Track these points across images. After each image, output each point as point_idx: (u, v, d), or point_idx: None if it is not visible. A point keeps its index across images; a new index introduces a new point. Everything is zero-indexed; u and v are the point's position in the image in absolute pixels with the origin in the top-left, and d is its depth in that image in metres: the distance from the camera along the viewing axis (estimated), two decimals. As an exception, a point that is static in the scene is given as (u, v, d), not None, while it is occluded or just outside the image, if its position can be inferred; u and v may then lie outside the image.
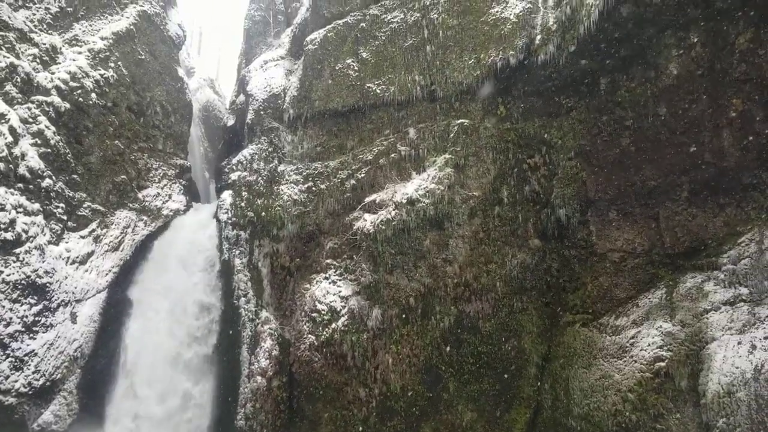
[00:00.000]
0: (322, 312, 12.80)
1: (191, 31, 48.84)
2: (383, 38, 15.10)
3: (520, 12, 13.08)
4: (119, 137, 14.72)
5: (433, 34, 14.35)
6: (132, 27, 15.86)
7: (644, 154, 11.18)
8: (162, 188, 16.16)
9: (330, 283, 13.23)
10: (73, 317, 12.28)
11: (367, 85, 14.83)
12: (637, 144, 11.32)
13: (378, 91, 14.67)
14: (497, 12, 13.41)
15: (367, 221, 13.06)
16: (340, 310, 12.66)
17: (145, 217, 15.14)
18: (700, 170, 10.30)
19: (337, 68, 15.37)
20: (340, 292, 12.94)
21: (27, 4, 13.32)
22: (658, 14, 10.45)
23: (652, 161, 11.01)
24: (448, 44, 14.06)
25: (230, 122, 20.30)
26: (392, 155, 14.03)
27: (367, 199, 13.63)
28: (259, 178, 15.51)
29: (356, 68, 15.15)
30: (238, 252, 14.20)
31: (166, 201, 16.03)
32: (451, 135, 13.43)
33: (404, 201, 12.65)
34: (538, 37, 12.55)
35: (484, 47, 13.42)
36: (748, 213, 9.61)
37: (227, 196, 15.26)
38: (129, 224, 14.57)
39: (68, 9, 14.36)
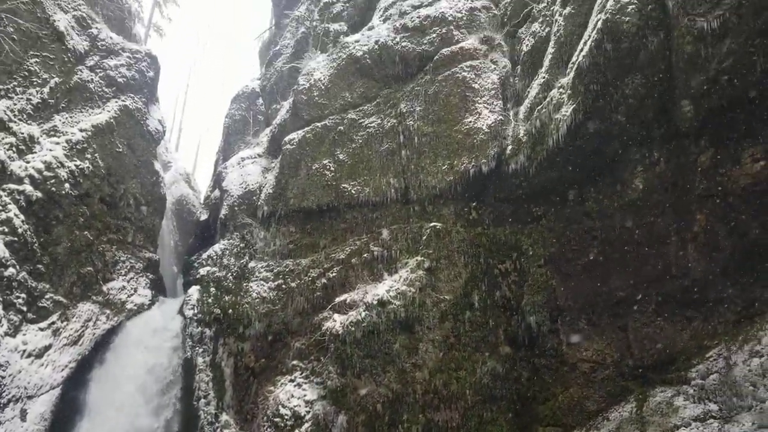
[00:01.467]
0: (285, 417, 12.27)
1: (171, 127, 49.80)
2: (360, 141, 15.50)
3: (492, 123, 13.61)
4: (89, 228, 14.56)
5: (409, 140, 14.78)
6: (112, 120, 16.10)
7: (612, 265, 11.35)
8: (128, 281, 15.86)
9: (295, 385, 12.78)
10: (23, 414, 11.60)
11: (343, 185, 15.06)
12: (605, 254, 11.51)
13: (353, 192, 14.88)
14: (470, 122, 13.92)
15: (336, 322, 12.84)
16: (304, 415, 12.15)
17: (108, 311, 14.73)
18: (667, 283, 10.44)
19: (313, 168, 15.63)
20: (305, 396, 12.49)
21: (9, 95, 13.50)
22: (623, 131, 10.95)
23: (620, 272, 11.17)
24: (422, 150, 14.46)
25: (203, 217, 20.31)
26: (365, 255, 14.03)
27: (338, 299, 13.47)
28: (229, 274, 15.33)
29: (332, 169, 15.42)
30: (201, 350, 13.77)
31: (131, 295, 15.69)
32: (424, 237, 13.52)
33: (375, 302, 12.52)
34: (509, 147, 13.00)
35: (457, 154, 13.81)
36: (714, 327, 9.67)
37: (194, 291, 14.99)
38: (91, 317, 14.14)
39: (50, 101, 14.58)
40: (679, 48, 9.49)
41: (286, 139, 16.68)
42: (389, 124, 15.33)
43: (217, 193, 19.58)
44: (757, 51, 8.78)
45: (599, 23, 10.54)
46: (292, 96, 18.06)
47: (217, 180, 19.80)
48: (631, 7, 10.06)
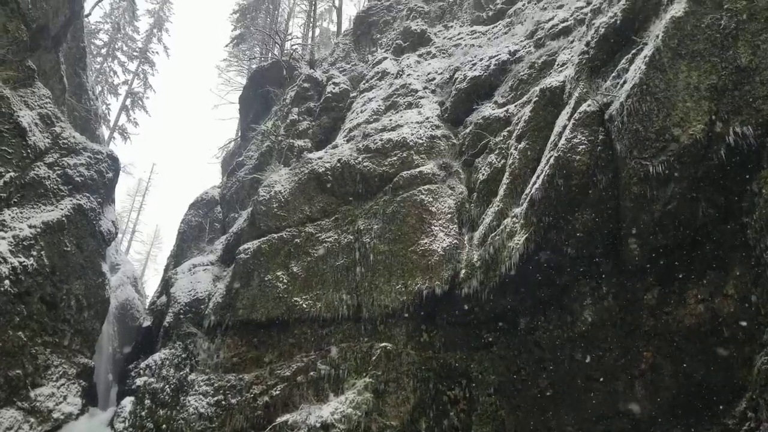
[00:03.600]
0: None
1: (125, 229, 49.14)
2: (315, 255, 15.46)
3: (447, 246, 13.78)
4: (24, 329, 13.79)
5: (364, 257, 14.80)
6: (64, 219, 15.76)
7: (562, 398, 11.19)
8: (58, 388, 14.84)
9: None
10: None
11: (295, 298, 14.81)
12: (555, 386, 11.38)
13: (304, 306, 14.62)
14: (426, 243, 14.07)
15: (275, 445, 12.15)
16: None
17: (32, 419, 13.64)
18: (615, 419, 10.30)
19: (266, 279, 15.40)
20: None
21: (-41, 186, 13.19)
22: (574, 263, 11.20)
23: (569, 405, 11.00)
24: (377, 268, 14.45)
25: (146, 323, 19.55)
26: (311, 373, 13.55)
27: (279, 420, 12.78)
28: (167, 386, 14.55)
29: (285, 281, 15.22)
30: (128, 469, 12.78)
31: (60, 403, 14.63)
32: (374, 358, 13.20)
33: (318, 425, 11.92)
34: (463, 271, 13.10)
35: (411, 275, 13.83)
36: (663, 468, 9.48)
37: (128, 403, 14.13)
38: (12, 426, 13.04)
39: (2, 194, 14.27)
40: (627, 188, 9.94)
41: (241, 248, 16.54)
42: (346, 240, 15.41)
43: (163, 299, 19.00)
44: (700, 197, 9.24)
45: (552, 159, 11.07)
46: (252, 206, 18.14)
47: (166, 286, 19.29)
48: (581, 146, 10.64)
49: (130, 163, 41.73)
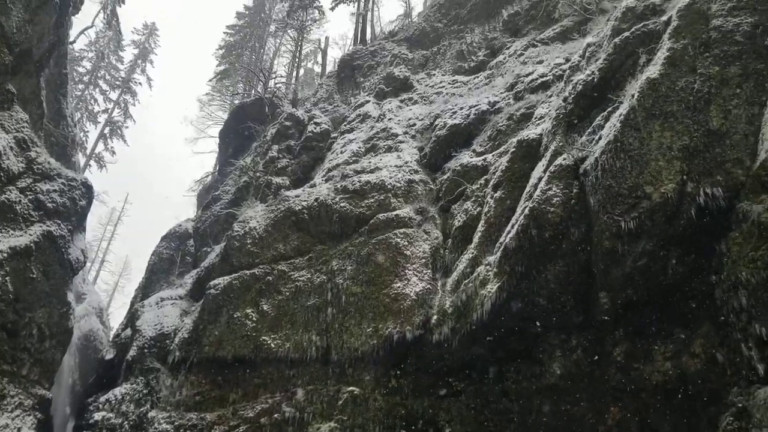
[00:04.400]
0: None
1: (94, 257, 48.26)
2: (287, 294, 15.32)
3: (420, 291, 13.74)
4: (-20, 356, 13.36)
5: (337, 298, 14.68)
6: (32, 245, 15.44)
7: (528, 451, 11.07)
8: (13, 419, 14.30)
9: None
10: None
11: (263, 337, 14.58)
12: (522, 439, 11.26)
13: (272, 345, 14.39)
14: (399, 287, 14.02)
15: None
16: None
17: (-19, 451, 13.12)
18: (581, 476, 10.20)
19: (235, 316, 15.17)
20: None
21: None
22: (545, 314, 11.21)
23: (536, 460, 10.88)
24: (349, 309, 14.33)
25: (109, 356, 19.04)
26: (275, 415, 13.26)
27: (240, 463, 12.48)
28: (125, 422, 14.12)
29: (255, 319, 15.00)
30: None
31: (13, 435, 14.08)
32: (340, 402, 12.98)
33: (279, 470, 11.65)
34: (435, 317, 13.04)
35: (383, 318, 13.72)
36: None
37: (84, 438, 13.64)
38: (-40, 457, 12.52)
39: (-31, 219, 13.98)
40: (599, 242, 10.07)
41: (212, 283, 16.31)
42: (319, 280, 15.30)
43: (128, 332, 18.57)
44: (670, 254, 9.38)
45: (526, 210, 11.20)
46: (225, 241, 17.98)
47: (132, 318, 18.88)
48: (556, 199, 10.81)
49: (104, 191, 41.06)
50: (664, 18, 11.51)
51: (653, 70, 10.21)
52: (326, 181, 18.97)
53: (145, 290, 22.67)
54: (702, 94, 9.45)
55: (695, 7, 10.68)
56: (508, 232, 11.77)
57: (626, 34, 12.14)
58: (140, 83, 50.96)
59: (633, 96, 10.18)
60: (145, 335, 16.64)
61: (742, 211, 8.16)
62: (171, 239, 24.58)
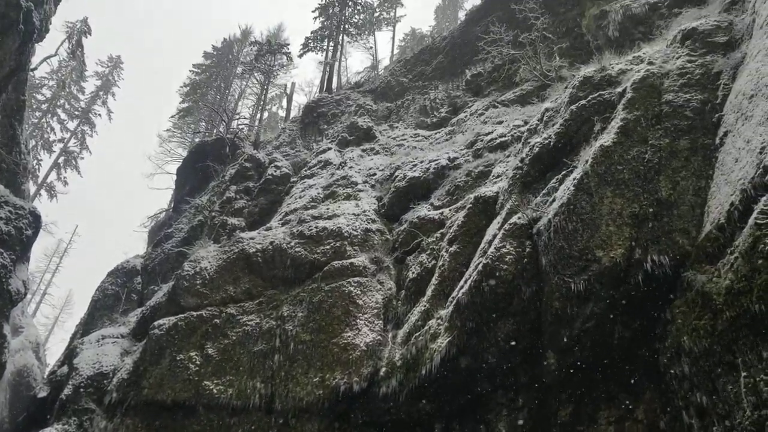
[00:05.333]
0: None
1: (35, 289, 46.45)
2: (234, 338, 14.95)
3: (370, 342, 13.58)
4: None
5: (285, 345, 14.39)
6: (-31, 273, 14.81)
7: None
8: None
9: None
10: None
11: (205, 382, 14.12)
12: (465, 499, 11.05)
13: (215, 391, 13.93)
14: (349, 337, 13.84)
15: None
16: None
17: None
18: None
19: (178, 358, 14.70)
20: None
21: None
22: (493, 372, 11.19)
23: None
24: (296, 357, 14.03)
25: (42, 393, 18.14)
26: (213, 465, 12.75)
27: None
28: (53, 465, 13.35)
29: (198, 362, 14.55)
30: None
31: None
32: (281, 456, 12.59)
33: None
34: (383, 369, 12.86)
35: (330, 368, 13.46)
36: None
37: (4, 482, 12.82)
38: None
39: None
40: (549, 302, 10.19)
41: (156, 323, 15.83)
42: (267, 325, 15.00)
43: (65, 369, 17.77)
44: (617, 319, 9.53)
45: (480, 266, 11.30)
46: (174, 280, 17.56)
47: (69, 355, 18.10)
48: (509, 257, 10.95)
49: (53, 222, 39.96)
50: (619, 89, 12.03)
51: (607, 138, 10.59)
52: (283, 224, 18.85)
53: (86, 327, 21.82)
54: (652, 165, 9.82)
55: (648, 81, 11.21)
56: (461, 287, 11.83)
57: (583, 102, 12.61)
58: (100, 115, 50.37)
59: (587, 161, 10.50)
60: (82, 374, 15.94)
61: (687, 280, 8.38)
62: (118, 275, 23.87)
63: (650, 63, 12.00)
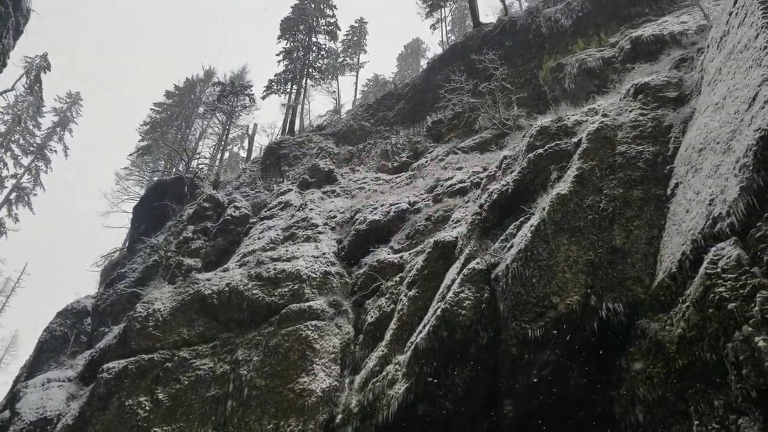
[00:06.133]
0: None
1: (-23, 329, 44.43)
2: (186, 383, 14.46)
3: (327, 387, 13.31)
4: None
5: (238, 390, 13.98)
6: None
7: None
8: None
9: None
10: None
11: (155, 429, 13.56)
12: None
13: (163, 440, 13.40)
14: (305, 382, 13.55)
15: None
16: None
17: None
18: None
19: (126, 404, 14.12)
20: None
21: None
22: (451, 420, 11.06)
23: None
24: (250, 403, 13.64)
25: (-21, 441, 17.19)
26: None
27: None
28: None
29: (148, 408, 14.00)
30: None
31: None
32: (231, 505, 12.10)
33: None
34: (339, 416, 12.58)
35: (285, 415, 13.11)
36: None
37: None
38: None
39: None
40: (507, 349, 10.18)
41: (106, 366, 15.23)
42: (221, 369, 14.59)
43: (7, 414, 16.89)
44: (573, 366, 9.59)
45: (439, 311, 11.29)
46: (125, 322, 17.01)
47: (12, 399, 17.24)
48: (467, 302, 10.98)
49: (1, 260, 38.61)
50: (575, 139, 12.39)
51: (563, 187, 10.84)
52: (240, 266, 18.57)
53: (31, 369, 20.90)
54: (607, 213, 10.07)
55: (603, 133, 11.58)
56: (420, 332, 11.77)
57: (540, 150, 12.94)
58: (56, 151, 49.37)
59: (544, 209, 10.71)
60: (24, 419, 15.19)
61: (641, 328, 8.52)
62: (67, 315, 23.07)
63: (604, 115, 12.43)
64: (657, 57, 16.54)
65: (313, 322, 14.92)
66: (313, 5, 49.78)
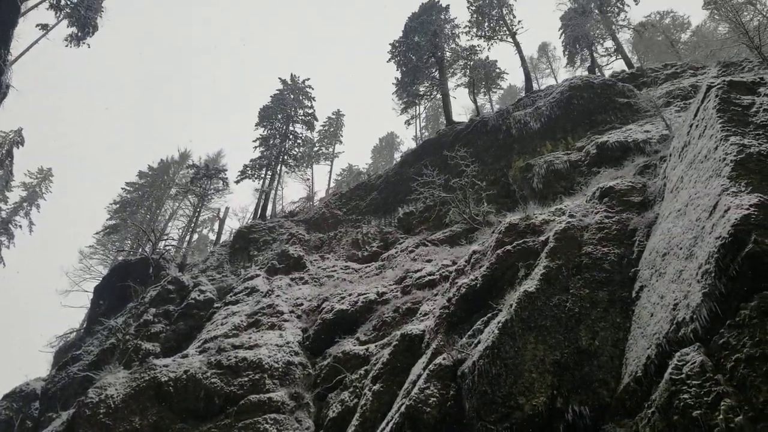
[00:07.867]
0: None
1: None
2: (133, 477, 13.63)
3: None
4: None
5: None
6: None
7: None
8: None
9: None
10: None
11: None
12: None
13: None
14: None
15: None
16: None
17: None
18: None
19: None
20: None
21: None
22: None
23: None
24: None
25: None
26: None
27: None
28: None
29: (88, 505, 13.08)
30: None
31: None
32: None
33: None
34: None
35: None
36: None
37: None
38: None
39: None
40: (473, 458, 9.86)
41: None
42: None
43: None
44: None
45: (403, 407, 10.96)
46: (75, 408, 16.16)
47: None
48: (433, 399, 10.70)
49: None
50: (542, 238, 12.58)
51: (531, 284, 10.88)
52: (200, 353, 17.98)
53: None
54: (573, 313, 10.07)
55: (569, 233, 11.79)
56: (383, 429, 11.36)
57: (508, 247, 13.08)
58: (20, 226, 48.35)
59: (512, 305, 10.69)
60: None
61: (606, 432, 8.35)
62: (14, 399, 21.83)
63: (571, 216, 12.70)
64: (621, 162, 17.18)
65: (273, 416, 14.37)
66: (292, 96, 51.22)
